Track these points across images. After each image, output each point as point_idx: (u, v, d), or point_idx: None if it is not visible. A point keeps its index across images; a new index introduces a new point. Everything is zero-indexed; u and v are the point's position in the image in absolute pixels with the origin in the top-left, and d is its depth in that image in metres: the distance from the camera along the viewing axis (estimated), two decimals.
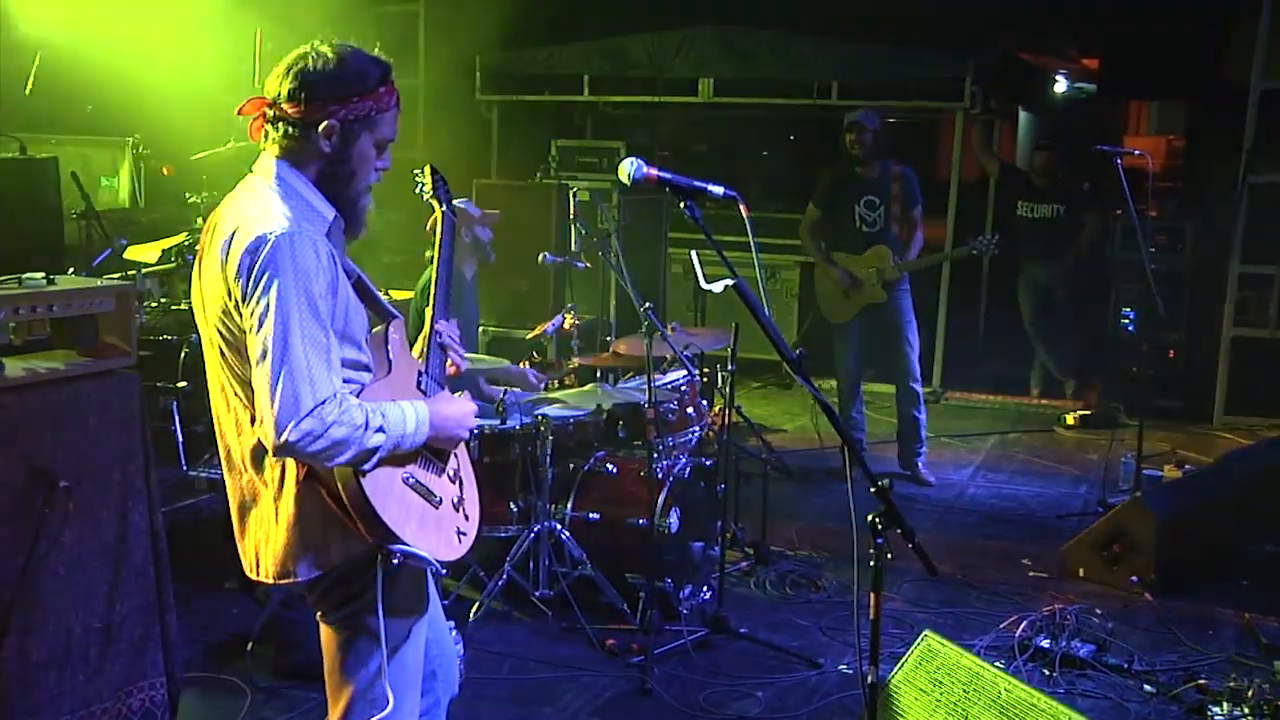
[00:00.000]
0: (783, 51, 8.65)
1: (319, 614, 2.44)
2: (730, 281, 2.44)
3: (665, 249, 8.53)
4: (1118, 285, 8.26)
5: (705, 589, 4.75)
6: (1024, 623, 4.31)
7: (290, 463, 2.28)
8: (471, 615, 4.49)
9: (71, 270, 4.74)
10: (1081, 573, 5.10)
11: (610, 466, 4.74)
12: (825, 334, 6.83)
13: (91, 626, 3.20)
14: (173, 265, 5.85)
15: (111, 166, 7.51)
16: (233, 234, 2.22)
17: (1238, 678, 3.89)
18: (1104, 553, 5.03)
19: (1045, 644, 4.20)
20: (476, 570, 4.61)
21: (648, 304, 4.47)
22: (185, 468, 5.46)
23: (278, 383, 2.12)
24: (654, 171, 2.51)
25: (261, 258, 2.16)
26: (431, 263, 2.78)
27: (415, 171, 2.92)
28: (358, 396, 2.28)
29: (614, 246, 5.78)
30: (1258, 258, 7.73)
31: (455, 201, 3.07)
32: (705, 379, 5.71)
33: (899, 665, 3.45)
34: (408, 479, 2.34)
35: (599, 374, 5.75)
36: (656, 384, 4.80)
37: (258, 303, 2.16)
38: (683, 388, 5.14)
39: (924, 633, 3.48)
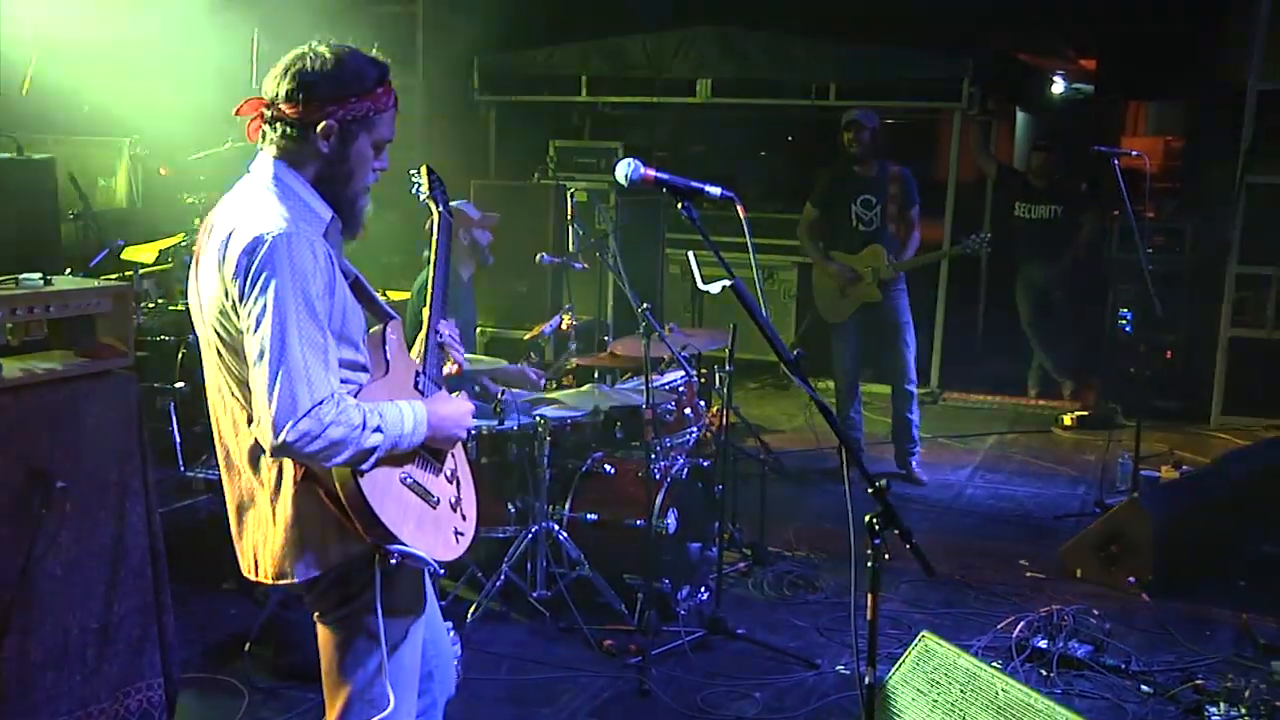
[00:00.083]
0: (781, 52, 8.66)
1: (316, 614, 2.44)
2: (728, 282, 2.43)
3: (663, 250, 8.51)
4: (1115, 286, 8.27)
5: (703, 590, 4.75)
6: (1021, 623, 4.31)
7: (288, 463, 2.28)
8: (469, 616, 4.48)
9: (69, 271, 4.75)
10: (1079, 573, 5.11)
11: (608, 467, 4.74)
12: (823, 335, 6.83)
13: (89, 627, 3.20)
14: (170, 266, 5.85)
15: (109, 167, 7.49)
16: (230, 234, 2.22)
17: (1235, 678, 3.91)
18: (1101, 553, 5.04)
19: (1043, 644, 4.21)
20: (474, 571, 4.62)
21: (645, 305, 4.46)
22: (183, 468, 5.44)
23: (275, 383, 2.12)
24: (651, 172, 2.50)
25: (259, 258, 2.16)
26: (428, 264, 2.78)
27: (411, 171, 2.89)
28: (355, 397, 2.28)
29: (612, 247, 5.77)
30: (1255, 258, 7.73)
31: (454, 202, 3.07)
32: (703, 380, 5.70)
33: (896, 666, 3.46)
34: (405, 479, 2.34)
35: (597, 375, 5.74)
36: (654, 385, 4.80)
37: (255, 303, 2.16)
38: (680, 388, 5.15)
39: (921, 633, 3.49)
